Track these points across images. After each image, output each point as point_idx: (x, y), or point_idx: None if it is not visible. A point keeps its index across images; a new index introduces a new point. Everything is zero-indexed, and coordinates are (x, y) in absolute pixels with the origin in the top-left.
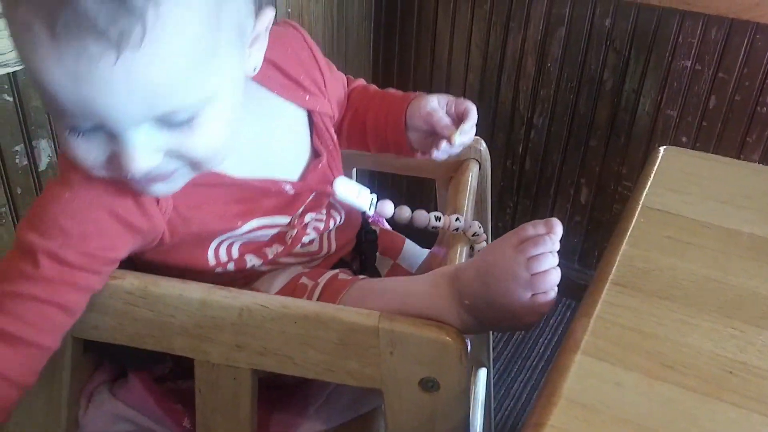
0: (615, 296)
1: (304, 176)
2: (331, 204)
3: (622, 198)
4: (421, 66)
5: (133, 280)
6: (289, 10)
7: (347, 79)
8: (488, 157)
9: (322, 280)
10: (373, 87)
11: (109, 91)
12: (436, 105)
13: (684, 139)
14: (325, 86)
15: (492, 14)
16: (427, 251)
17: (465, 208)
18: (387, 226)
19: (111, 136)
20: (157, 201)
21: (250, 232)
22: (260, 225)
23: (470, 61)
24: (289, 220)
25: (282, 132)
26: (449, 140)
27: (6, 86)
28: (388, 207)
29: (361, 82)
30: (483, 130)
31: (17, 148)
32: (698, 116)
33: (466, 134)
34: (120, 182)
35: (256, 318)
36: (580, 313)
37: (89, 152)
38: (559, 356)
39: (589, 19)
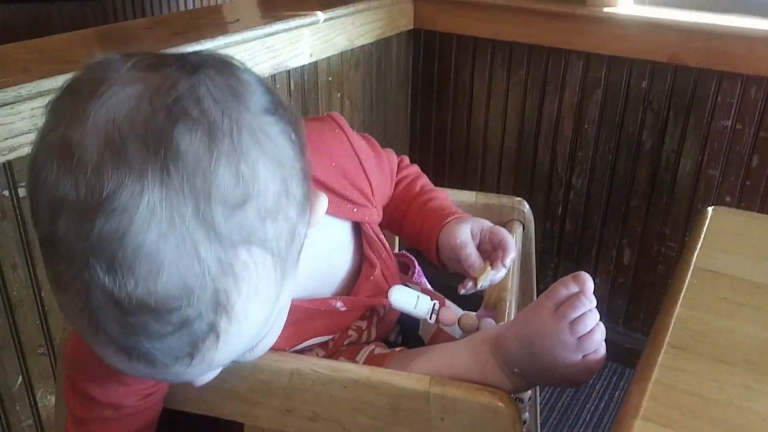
0: (672, 359)
1: (356, 290)
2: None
3: (666, 259)
4: (458, 131)
5: None
6: (330, 78)
7: (399, 161)
8: (532, 218)
9: (361, 358)
10: (420, 184)
11: (177, 377)
12: (468, 238)
13: (728, 199)
14: (372, 194)
15: (528, 79)
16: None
17: (512, 284)
18: (428, 284)
19: None
20: None
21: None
22: (309, 345)
23: (507, 125)
24: (338, 335)
25: (331, 250)
26: (474, 282)
27: None
28: (450, 315)
29: (411, 171)
30: (521, 191)
31: None
32: (741, 175)
33: (495, 275)
34: None
35: (306, 382)
36: (637, 377)
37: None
38: (618, 422)
39: (626, 81)
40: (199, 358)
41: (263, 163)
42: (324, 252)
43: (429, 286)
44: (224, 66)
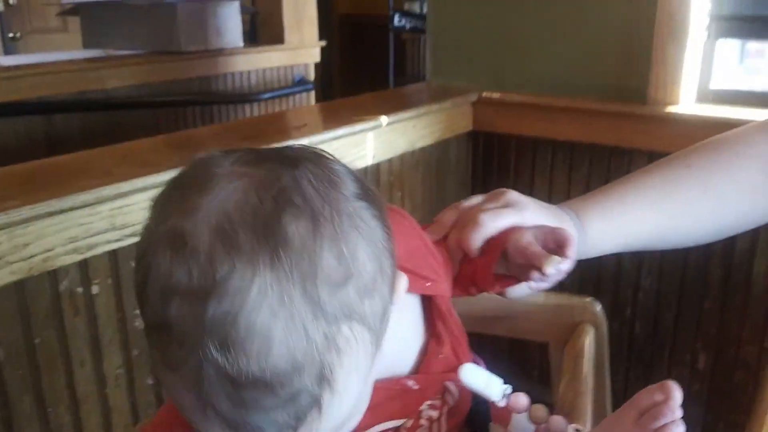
0: None
1: (424, 368)
2: (446, 387)
3: (744, 364)
4: None
5: None
6: (391, 178)
7: None
8: (604, 320)
9: None
10: None
11: None
12: (532, 238)
13: None
14: (441, 268)
15: (590, 178)
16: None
17: (587, 384)
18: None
19: None
20: None
21: None
22: (383, 429)
23: None
24: (411, 421)
25: (402, 327)
26: (541, 270)
27: (134, 254)
28: (522, 401)
29: None
30: (587, 291)
31: (137, 311)
32: None
33: (560, 263)
34: None
35: None
36: None
37: None
38: None
39: None
40: (301, 430)
41: (361, 244)
42: (398, 332)
43: None
44: (318, 158)
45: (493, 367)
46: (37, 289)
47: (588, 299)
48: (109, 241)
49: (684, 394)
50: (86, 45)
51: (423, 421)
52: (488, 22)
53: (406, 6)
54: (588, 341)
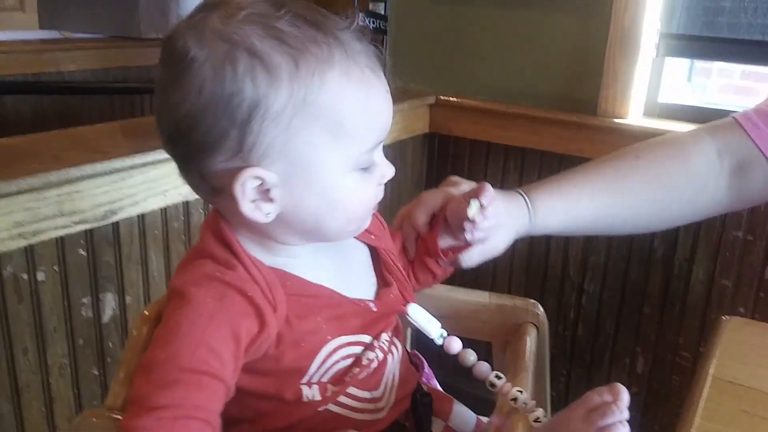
0: None
1: (380, 298)
2: (396, 332)
3: (681, 369)
4: None
5: None
6: None
7: None
8: (546, 321)
9: None
10: None
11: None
12: (462, 201)
13: (741, 309)
14: (385, 231)
15: None
16: (474, 416)
17: (527, 381)
18: (437, 385)
19: (376, 159)
20: (274, 309)
21: (335, 350)
22: (346, 342)
23: None
24: (370, 340)
25: (355, 261)
26: (469, 218)
27: (82, 241)
28: (455, 343)
29: None
30: (533, 294)
31: (84, 300)
32: (755, 287)
33: (480, 207)
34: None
35: None
36: None
37: (373, 182)
38: None
39: None
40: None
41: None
42: (350, 260)
43: (439, 388)
44: None
45: (442, 370)
46: None
47: (531, 301)
48: (56, 227)
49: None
50: (43, 26)
51: (380, 343)
52: (448, 29)
53: (371, 6)
54: (529, 341)
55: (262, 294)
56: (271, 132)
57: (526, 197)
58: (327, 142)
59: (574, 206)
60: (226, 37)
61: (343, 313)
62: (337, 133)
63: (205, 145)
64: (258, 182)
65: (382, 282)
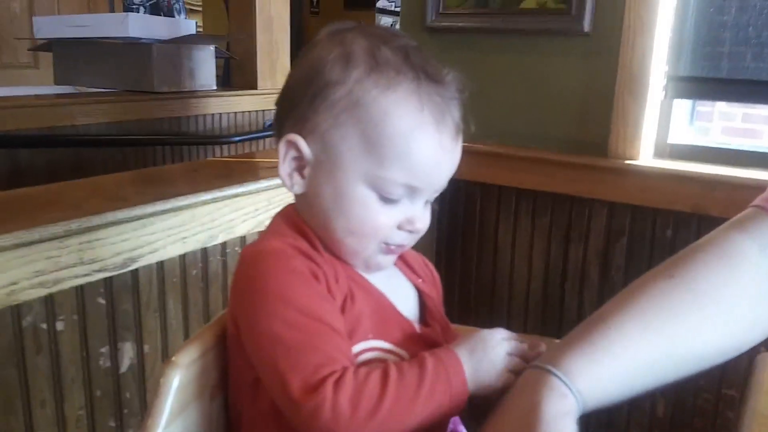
0: None
1: (424, 328)
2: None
3: (702, 412)
4: (483, 275)
5: None
6: None
7: None
8: None
9: None
10: None
11: (449, 163)
12: None
13: (762, 349)
14: (435, 283)
15: (552, 227)
16: None
17: None
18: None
19: (408, 204)
20: (337, 279)
21: (371, 351)
22: (385, 348)
23: (533, 270)
24: (407, 358)
25: (405, 291)
26: None
27: (101, 290)
28: None
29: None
30: (551, 333)
31: (102, 350)
32: None
33: None
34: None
35: None
36: None
37: (389, 216)
38: None
39: (651, 229)
40: (459, 140)
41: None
42: (403, 293)
43: None
44: None
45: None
46: None
47: (556, 341)
48: (76, 276)
49: None
50: (58, 81)
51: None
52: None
53: None
54: None
55: (329, 267)
56: (323, 114)
57: (566, 378)
58: (358, 149)
59: (623, 365)
60: (341, 39)
61: (388, 319)
62: (369, 146)
63: (287, 108)
64: (296, 153)
65: (424, 323)
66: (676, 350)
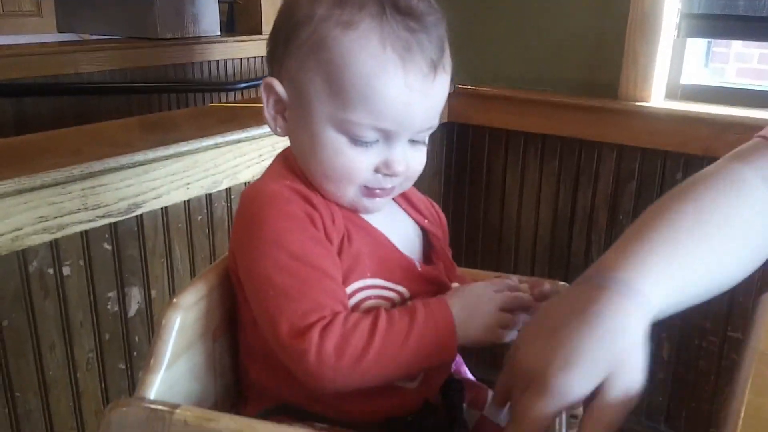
0: None
1: (425, 266)
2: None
3: (708, 354)
4: (491, 219)
5: (229, 423)
6: None
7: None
8: None
9: None
10: None
11: (422, 103)
12: None
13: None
14: (441, 224)
15: (561, 170)
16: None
17: None
18: (467, 372)
19: (385, 147)
20: (333, 221)
21: (369, 288)
22: (384, 286)
23: (540, 215)
24: (408, 295)
25: (407, 230)
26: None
27: (107, 235)
28: None
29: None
30: (558, 276)
31: (110, 294)
32: None
33: None
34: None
35: None
36: None
37: (362, 160)
38: None
39: (660, 173)
40: (437, 76)
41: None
42: (405, 232)
43: (470, 376)
44: None
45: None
46: (5, 269)
47: (561, 283)
48: (80, 222)
49: (649, 383)
50: (60, 29)
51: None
52: (465, 18)
53: None
54: None
55: (325, 208)
56: (293, 56)
57: (627, 288)
58: (323, 92)
59: (685, 274)
60: None
61: (387, 257)
62: (332, 89)
63: (271, 50)
64: (276, 96)
65: (428, 261)
66: (717, 265)
